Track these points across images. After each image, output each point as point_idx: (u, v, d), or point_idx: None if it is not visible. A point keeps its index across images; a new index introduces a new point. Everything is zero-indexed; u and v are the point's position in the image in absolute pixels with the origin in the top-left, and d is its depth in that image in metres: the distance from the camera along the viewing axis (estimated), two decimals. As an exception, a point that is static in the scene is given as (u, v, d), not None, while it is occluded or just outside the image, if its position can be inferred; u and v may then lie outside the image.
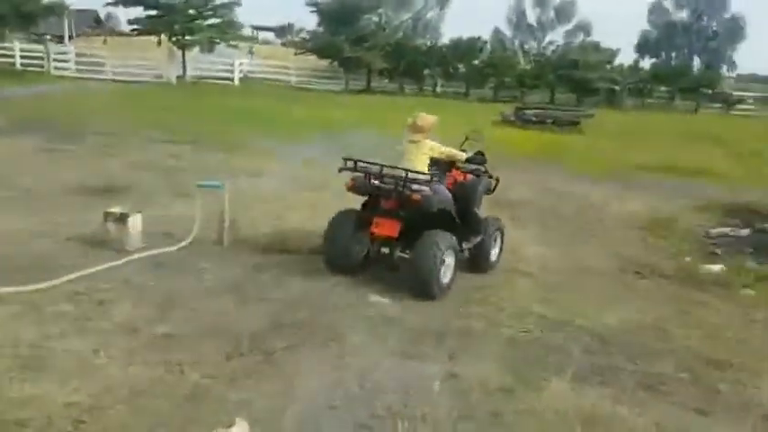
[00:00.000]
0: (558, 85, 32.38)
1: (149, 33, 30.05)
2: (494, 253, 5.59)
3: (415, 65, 32.19)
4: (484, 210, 5.60)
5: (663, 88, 33.62)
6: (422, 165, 4.93)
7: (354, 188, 4.97)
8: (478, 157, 5.62)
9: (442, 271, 4.69)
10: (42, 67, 26.62)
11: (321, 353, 3.72)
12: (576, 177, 11.21)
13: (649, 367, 3.86)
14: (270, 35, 57.72)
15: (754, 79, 42.71)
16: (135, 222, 5.38)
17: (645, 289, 5.53)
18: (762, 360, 4.12)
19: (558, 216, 8.02)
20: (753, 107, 33.82)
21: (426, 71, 32.54)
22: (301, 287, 4.77)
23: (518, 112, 19.36)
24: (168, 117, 14.56)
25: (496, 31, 40.27)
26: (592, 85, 31.18)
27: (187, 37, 28.89)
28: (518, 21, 39.36)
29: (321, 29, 33.93)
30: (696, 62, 40.70)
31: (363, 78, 33.35)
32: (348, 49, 31.07)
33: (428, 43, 34.90)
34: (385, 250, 4.89)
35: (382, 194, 4.84)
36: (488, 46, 34.40)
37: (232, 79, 30.53)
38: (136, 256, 5.12)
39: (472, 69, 32.36)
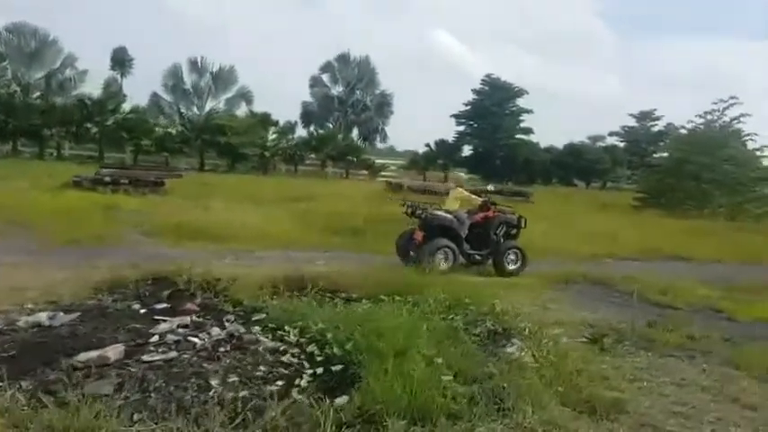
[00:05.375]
0: (205, 149, 30.74)
1: None
2: (511, 266, 9.36)
3: (32, 125, 27.24)
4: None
5: (313, 156, 34.68)
6: (452, 203, 9.59)
7: (408, 214, 9.35)
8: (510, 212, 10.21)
9: (438, 257, 8.67)
10: None
11: None
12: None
13: None
14: None
15: (393, 152, 48.79)
16: None
17: None
18: None
19: None
20: (395, 174, 37.19)
21: (47, 131, 27.81)
22: None
23: (96, 174, 16.71)
24: None
25: (154, 96, 37.27)
26: (237, 151, 30.17)
27: None
28: (174, 85, 37.00)
29: None
30: (355, 133, 43.65)
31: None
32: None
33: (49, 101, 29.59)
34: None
35: (417, 217, 9.14)
36: (126, 107, 30.86)
37: None
38: None
39: (105, 131, 28.70)
